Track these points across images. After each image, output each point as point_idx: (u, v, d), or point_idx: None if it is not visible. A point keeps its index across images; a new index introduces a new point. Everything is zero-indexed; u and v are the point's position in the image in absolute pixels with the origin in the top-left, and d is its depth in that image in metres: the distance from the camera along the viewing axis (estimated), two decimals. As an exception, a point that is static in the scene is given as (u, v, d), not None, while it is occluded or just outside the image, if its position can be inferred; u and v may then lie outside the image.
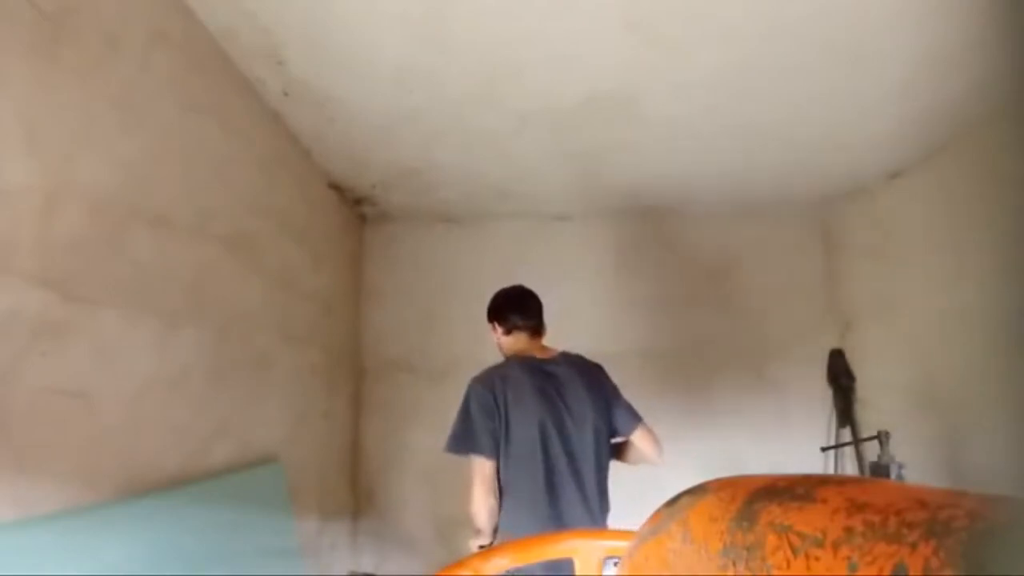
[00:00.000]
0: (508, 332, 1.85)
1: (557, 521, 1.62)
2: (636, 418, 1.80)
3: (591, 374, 1.81)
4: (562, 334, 3.53)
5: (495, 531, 1.67)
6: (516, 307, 1.87)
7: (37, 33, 1.09)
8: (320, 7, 1.63)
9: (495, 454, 1.63)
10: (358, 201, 3.10)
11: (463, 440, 1.65)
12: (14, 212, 1.04)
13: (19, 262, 1.04)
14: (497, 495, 1.64)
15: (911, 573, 0.29)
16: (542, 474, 1.63)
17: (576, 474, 1.66)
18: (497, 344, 1.91)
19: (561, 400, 1.70)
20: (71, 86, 1.17)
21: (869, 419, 2.82)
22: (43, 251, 1.09)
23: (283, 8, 1.63)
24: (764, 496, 0.45)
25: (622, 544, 1.05)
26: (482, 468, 1.62)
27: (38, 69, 1.09)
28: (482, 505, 1.61)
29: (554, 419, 1.67)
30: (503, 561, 1.09)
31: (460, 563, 1.08)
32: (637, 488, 2.95)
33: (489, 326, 1.93)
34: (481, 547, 1.74)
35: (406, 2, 1.60)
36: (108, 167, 1.27)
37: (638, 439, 1.78)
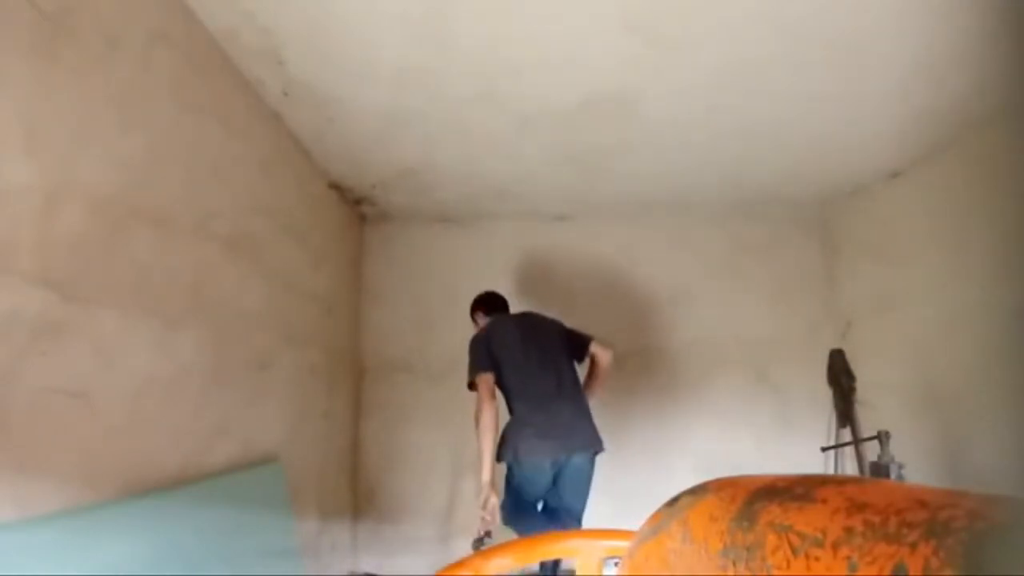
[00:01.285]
0: (488, 315, 2.56)
1: (557, 400, 2.22)
2: (588, 335, 2.44)
3: (549, 318, 2.49)
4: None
5: (489, 533, 2.04)
6: (493, 302, 2.60)
7: (37, 33, 1.09)
8: (320, 7, 1.63)
9: (493, 369, 2.23)
10: (358, 201, 3.11)
11: (472, 372, 2.23)
12: (14, 212, 1.04)
13: (19, 262, 1.04)
14: (497, 402, 2.19)
15: (911, 573, 0.29)
16: (532, 377, 2.24)
17: (557, 370, 2.30)
18: (474, 321, 2.61)
19: (535, 329, 2.39)
20: (71, 86, 1.17)
21: (869, 419, 2.82)
22: (43, 251, 1.09)
23: (283, 8, 1.63)
24: (764, 496, 0.45)
25: (622, 544, 1.05)
26: (485, 380, 2.19)
27: (38, 69, 1.09)
28: (486, 407, 2.13)
29: (534, 338, 2.34)
30: (503, 561, 1.09)
31: (460, 563, 1.08)
32: (636, 488, 2.96)
33: (471, 319, 2.62)
34: (484, 541, 1.97)
35: (406, 2, 1.60)
36: (108, 167, 1.27)
37: (596, 347, 2.41)
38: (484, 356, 2.25)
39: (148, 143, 1.41)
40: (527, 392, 2.21)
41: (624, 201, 3.15)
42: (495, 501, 2.08)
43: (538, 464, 2.13)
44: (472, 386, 2.24)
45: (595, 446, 2.22)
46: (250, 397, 1.92)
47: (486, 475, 2.08)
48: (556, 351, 2.35)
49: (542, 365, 2.28)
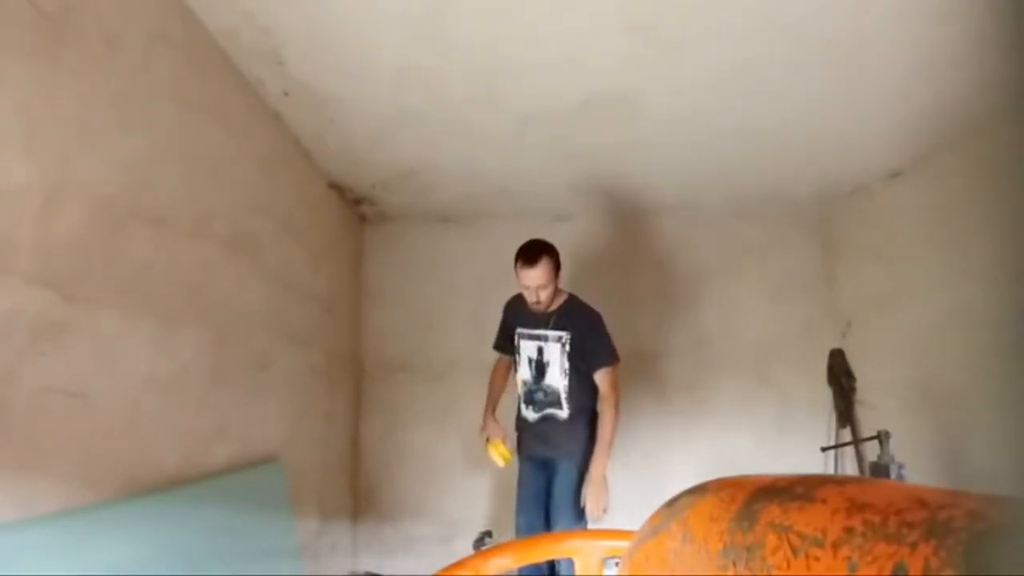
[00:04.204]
0: None
1: None
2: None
3: None
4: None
5: (490, 534, 2.11)
6: None
7: (37, 33, 1.09)
8: (320, 7, 1.63)
9: None
10: (358, 201, 3.10)
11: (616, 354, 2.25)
12: (14, 212, 1.04)
13: (19, 262, 1.04)
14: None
15: (911, 573, 0.29)
16: None
17: None
18: (557, 281, 2.34)
19: None
20: (71, 86, 1.17)
21: (869, 419, 2.82)
22: (43, 251, 1.09)
23: (283, 8, 1.63)
24: (764, 496, 0.45)
25: (622, 544, 1.05)
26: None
27: (38, 69, 1.09)
28: (619, 393, 2.19)
29: None
30: (503, 561, 1.09)
31: (460, 563, 1.08)
32: (636, 488, 2.96)
33: (555, 276, 2.31)
34: (484, 541, 1.93)
35: (406, 2, 1.60)
36: (108, 167, 1.27)
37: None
38: None
39: (148, 143, 1.41)
40: None
41: (624, 201, 3.15)
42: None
43: None
44: (617, 359, 2.21)
45: None
46: (250, 397, 1.92)
47: (605, 467, 2.10)
48: None
49: None
